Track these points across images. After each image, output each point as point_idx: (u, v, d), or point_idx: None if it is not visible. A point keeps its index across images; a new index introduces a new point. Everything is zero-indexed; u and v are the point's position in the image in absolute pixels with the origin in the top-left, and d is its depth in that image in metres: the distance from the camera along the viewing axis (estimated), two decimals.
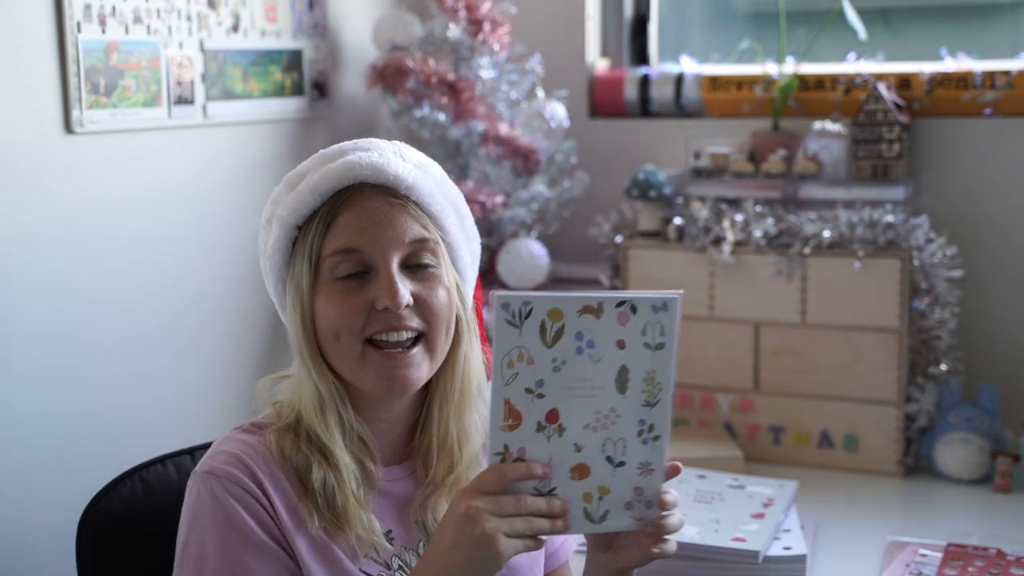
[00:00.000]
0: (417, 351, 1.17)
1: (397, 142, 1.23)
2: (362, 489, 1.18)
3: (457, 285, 1.21)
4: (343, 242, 1.15)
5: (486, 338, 1.32)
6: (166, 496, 1.32)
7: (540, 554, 1.33)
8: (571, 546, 1.43)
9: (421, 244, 1.17)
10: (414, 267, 1.17)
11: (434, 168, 1.23)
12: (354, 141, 1.22)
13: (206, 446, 1.39)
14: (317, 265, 1.16)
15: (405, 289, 1.15)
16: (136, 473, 1.33)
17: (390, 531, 1.20)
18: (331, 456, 1.16)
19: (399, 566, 1.20)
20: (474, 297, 1.29)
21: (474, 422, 1.25)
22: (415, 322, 1.16)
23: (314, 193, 1.16)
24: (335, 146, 1.22)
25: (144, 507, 1.31)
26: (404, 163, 1.19)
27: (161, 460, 1.35)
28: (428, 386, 1.23)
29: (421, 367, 1.17)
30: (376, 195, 1.16)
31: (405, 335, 1.15)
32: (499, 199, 2.28)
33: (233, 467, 1.14)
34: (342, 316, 1.14)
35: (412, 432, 1.26)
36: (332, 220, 1.16)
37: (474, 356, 1.25)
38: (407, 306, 1.14)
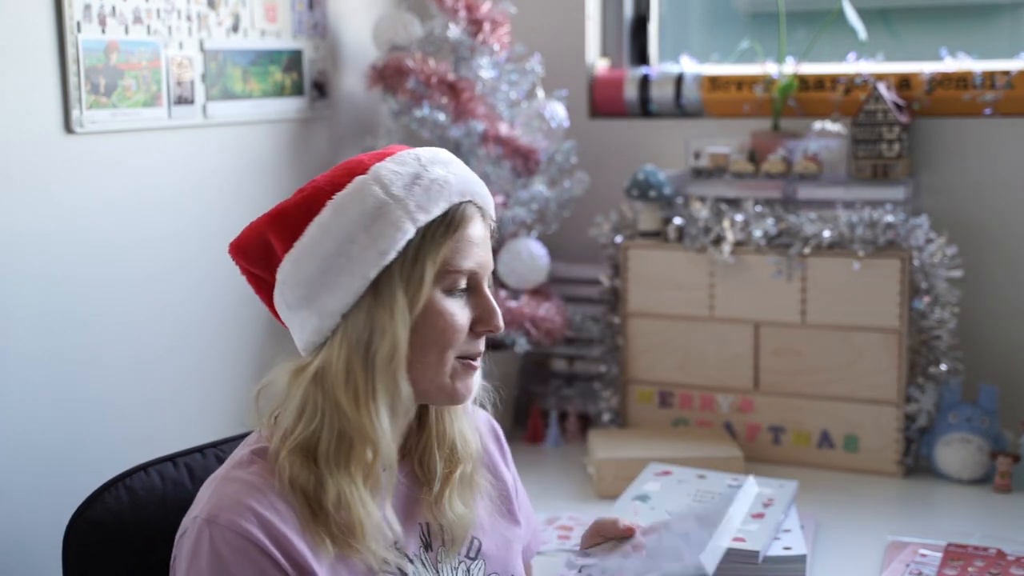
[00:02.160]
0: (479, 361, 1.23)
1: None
2: (375, 499, 1.16)
3: None
4: (465, 259, 1.17)
5: None
6: (152, 504, 1.29)
7: (515, 547, 1.35)
8: (540, 538, 1.47)
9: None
10: None
11: None
12: (432, 151, 1.21)
13: (188, 452, 1.36)
14: (436, 275, 1.16)
15: None
16: (120, 482, 1.30)
17: (396, 541, 1.19)
18: (356, 468, 1.15)
19: (413, 573, 1.19)
20: None
21: (468, 422, 1.29)
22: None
23: (447, 200, 1.16)
24: (419, 151, 1.20)
25: (131, 516, 1.28)
26: None
27: (144, 468, 1.32)
28: None
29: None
30: (480, 216, 1.20)
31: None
32: (499, 199, 2.28)
33: (238, 515, 1.09)
34: (455, 332, 1.17)
35: (406, 436, 1.27)
36: (455, 232, 1.17)
37: None
38: None
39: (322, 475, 1.13)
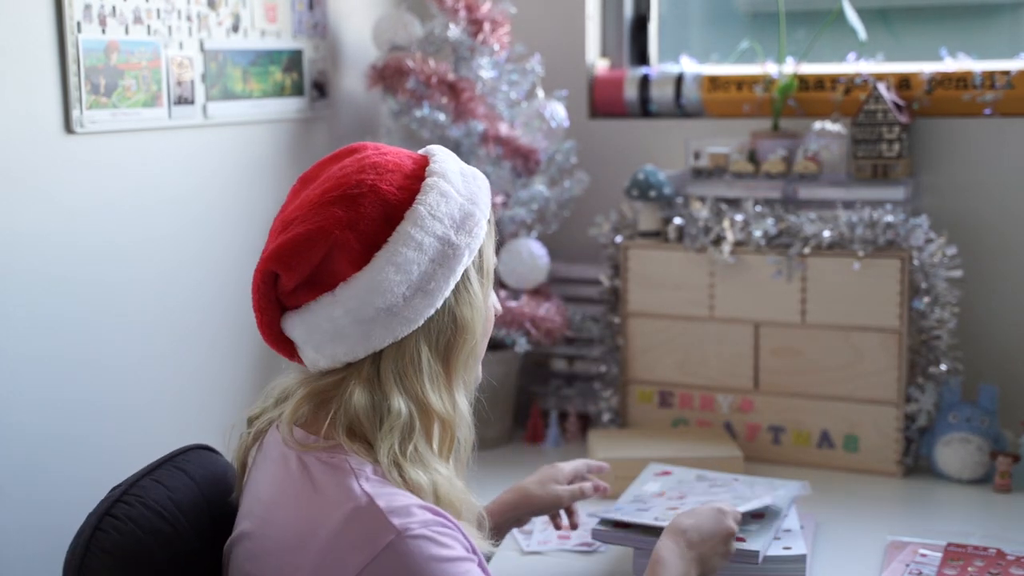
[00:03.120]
0: None
1: None
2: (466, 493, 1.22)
3: None
4: (495, 251, 1.27)
5: None
6: (130, 563, 1.22)
7: None
8: None
9: None
10: None
11: None
12: (441, 149, 1.26)
13: (113, 504, 1.26)
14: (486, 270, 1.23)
15: None
16: (91, 542, 1.21)
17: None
18: (442, 466, 1.19)
19: None
20: None
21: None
22: None
23: (489, 195, 1.23)
24: (437, 147, 1.26)
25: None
26: None
27: (97, 526, 1.23)
28: None
29: None
30: None
31: None
32: (499, 199, 2.28)
33: (431, 512, 1.11)
34: (493, 321, 1.26)
35: None
36: (492, 225, 1.24)
37: None
38: None
39: (428, 476, 1.15)
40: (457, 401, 1.20)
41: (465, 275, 1.18)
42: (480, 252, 1.20)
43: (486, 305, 1.22)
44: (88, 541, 1.21)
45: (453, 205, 1.16)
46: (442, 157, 1.22)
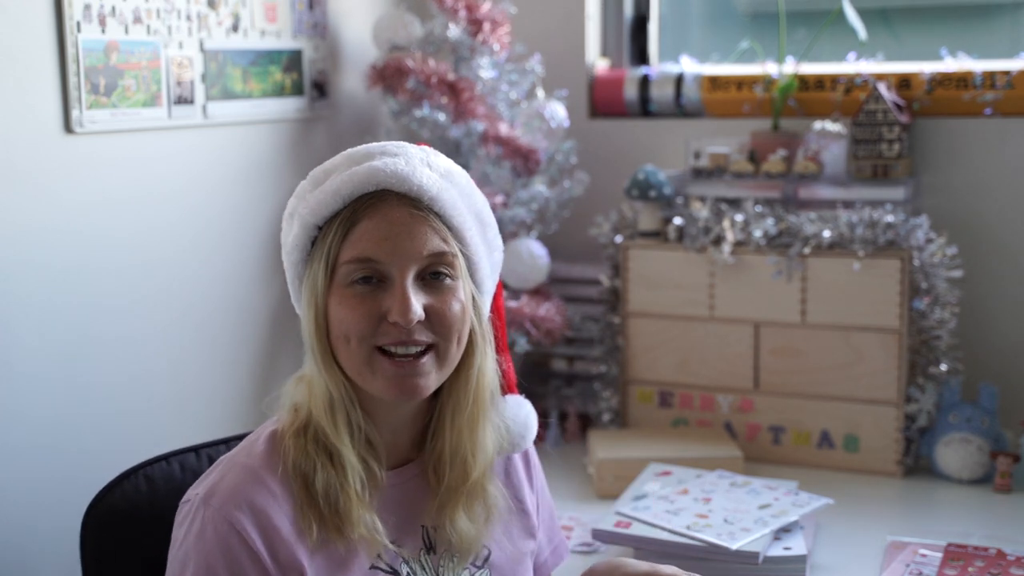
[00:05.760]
0: (427, 360, 1.16)
1: (427, 148, 1.22)
2: (366, 491, 1.17)
3: (473, 297, 1.20)
4: (361, 251, 1.14)
5: (506, 346, 1.32)
6: (170, 493, 1.31)
7: (527, 560, 1.33)
8: (561, 555, 1.43)
9: (439, 257, 1.16)
10: (430, 279, 1.16)
11: (461, 177, 1.22)
12: (383, 144, 1.20)
13: (211, 444, 1.39)
14: (333, 269, 1.15)
15: (418, 304, 1.14)
16: (140, 470, 1.33)
17: (395, 540, 1.20)
18: (336, 456, 1.16)
19: (408, 573, 1.20)
20: (494, 303, 1.28)
21: (487, 432, 1.25)
22: (425, 336, 1.15)
23: (337, 195, 1.15)
24: (364, 147, 1.20)
25: (148, 504, 1.31)
26: (430, 172, 1.17)
27: (166, 457, 1.35)
28: (440, 394, 1.22)
29: (430, 376, 1.17)
30: (398, 204, 1.15)
31: (414, 348, 1.15)
32: (499, 199, 2.28)
33: (234, 505, 1.12)
34: (353, 323, 1.14)
35: (419, 436, 1.26)
36: (352, 226, 1.15)
37: (488, 367, 1.24)
38: (418, 321, 1.14)
39: (315, 459, 1.16)
40: (323, 402, 1.17)
41: (307, 268, 1.19)
42: (311, 257, 1.18)
43: (316, 308, 1.16)
44: (111, 487, 1.32)
45: (288, 209, 1.23)
46: (336, 159, 1.23)
